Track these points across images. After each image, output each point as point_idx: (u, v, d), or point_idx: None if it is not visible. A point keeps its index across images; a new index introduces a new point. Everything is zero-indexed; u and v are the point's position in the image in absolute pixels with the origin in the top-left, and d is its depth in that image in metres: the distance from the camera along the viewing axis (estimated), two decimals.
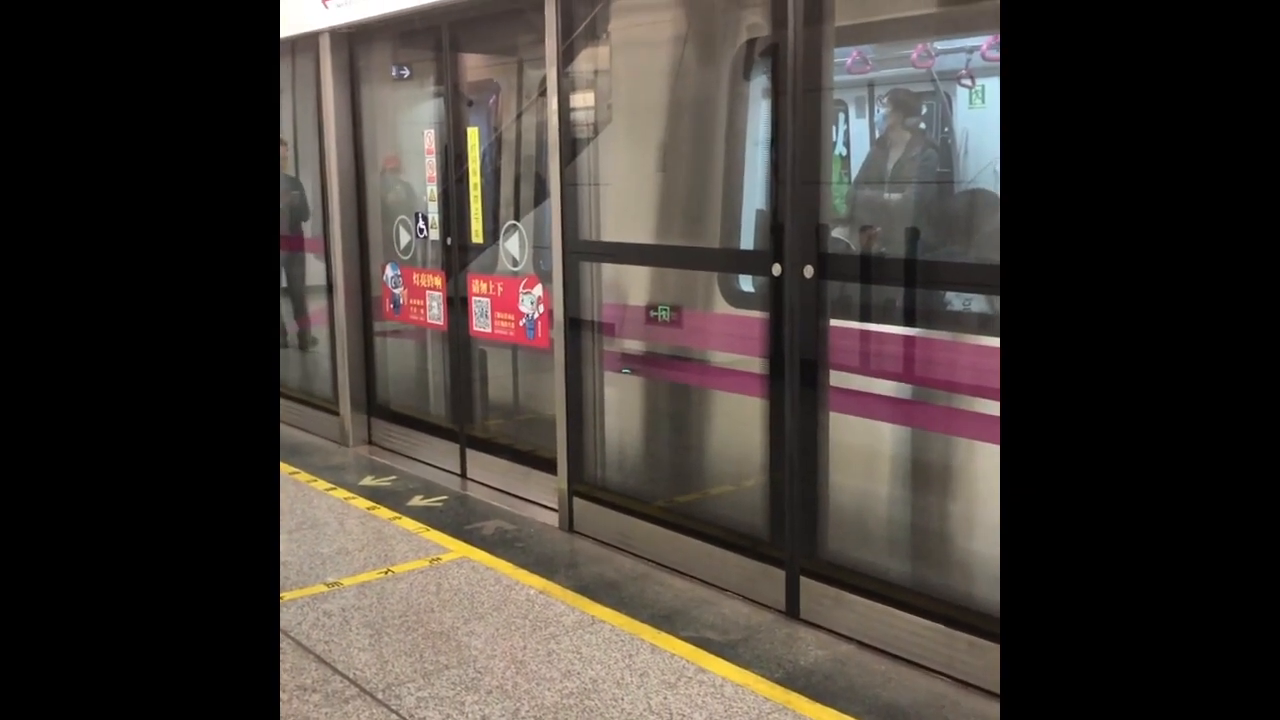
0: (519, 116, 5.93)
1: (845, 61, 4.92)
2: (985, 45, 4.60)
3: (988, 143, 5.24)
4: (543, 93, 4.81)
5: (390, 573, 4.34)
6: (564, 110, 4.65)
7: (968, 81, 5.03)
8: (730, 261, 4.65)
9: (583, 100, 4.72)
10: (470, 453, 5.70)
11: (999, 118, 1.46)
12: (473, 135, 5.42)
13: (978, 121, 5.26)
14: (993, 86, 5.14)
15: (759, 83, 4.48)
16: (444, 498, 5.37)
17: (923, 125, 5.13)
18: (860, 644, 3.61)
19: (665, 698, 3.28)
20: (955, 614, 3.41)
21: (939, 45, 4.84)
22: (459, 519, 5.03)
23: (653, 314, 4.64)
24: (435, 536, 4.78)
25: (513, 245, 5.29)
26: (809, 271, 3.67)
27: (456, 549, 4.61)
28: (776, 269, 3.77)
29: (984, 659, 3.29)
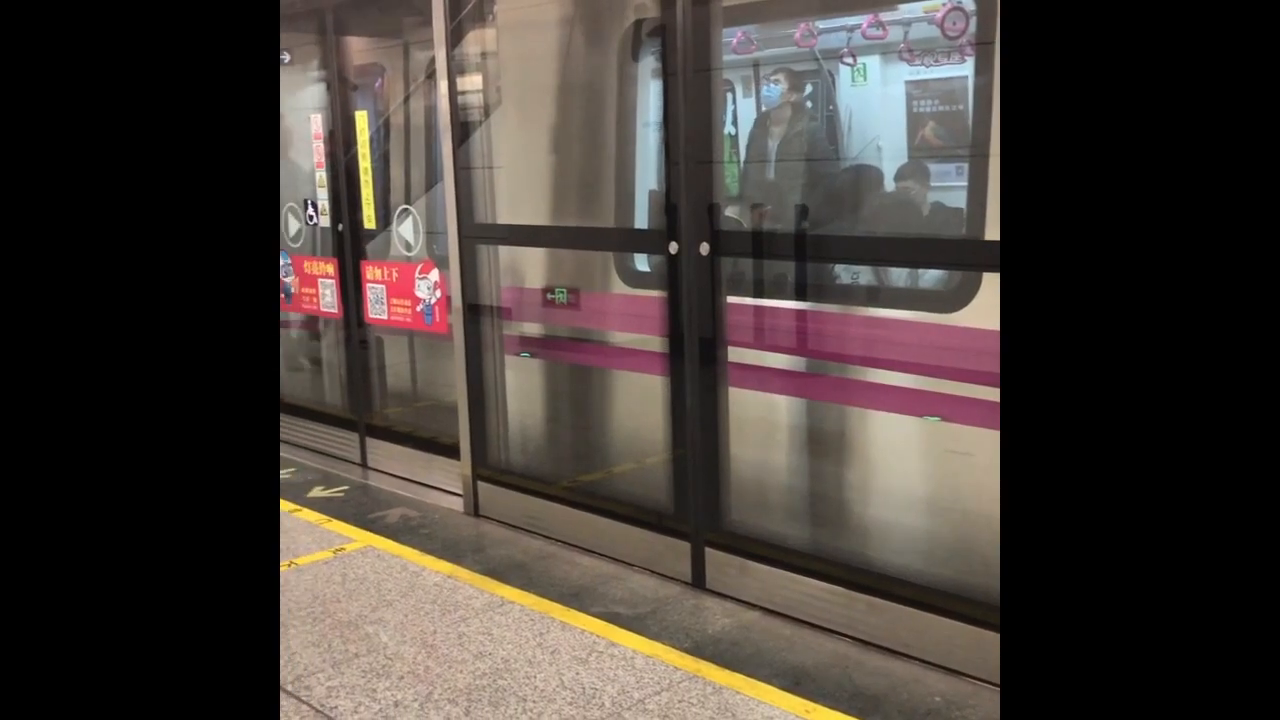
0: (407, 99, 5.86)
1: (731, 42, 5.00)
2: (865, 24, 4.72)
3: (870, 120, 5.39)
4: (430, 75, 4.77)
5: (293, 565, 4.28)
6: (453, 93, 4.62)
7: (849, 60, 5.16)
8: (627, 241, 4.69)
9: (472, 83, 4.70)
10: (370, 441, 5.64)
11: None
12: (361, 119, 5.34)
13: (860, 99, 5.40)
14: (873, 65, 5.28)
15: (648, 63, 4.52)
16: (345, 488, 5.31)
17: (809, 103, 5.24)
18: (765, 610, 3.71)
19: (577, 673, 3.33)
20: (854, 577, 3.52)
21: (821, 25, 4.94)
22: (362, 508, 4.98)
23: (550, 296, 4.66)
24: (338, 527, 4.72)
25: (406, 230, 5.24)
26: (704, 249, 3.74)
27: (360, 538, 4.57)
28: (673, 247, 3.83)
29: (883, 618, 3.41)
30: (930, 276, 3.84)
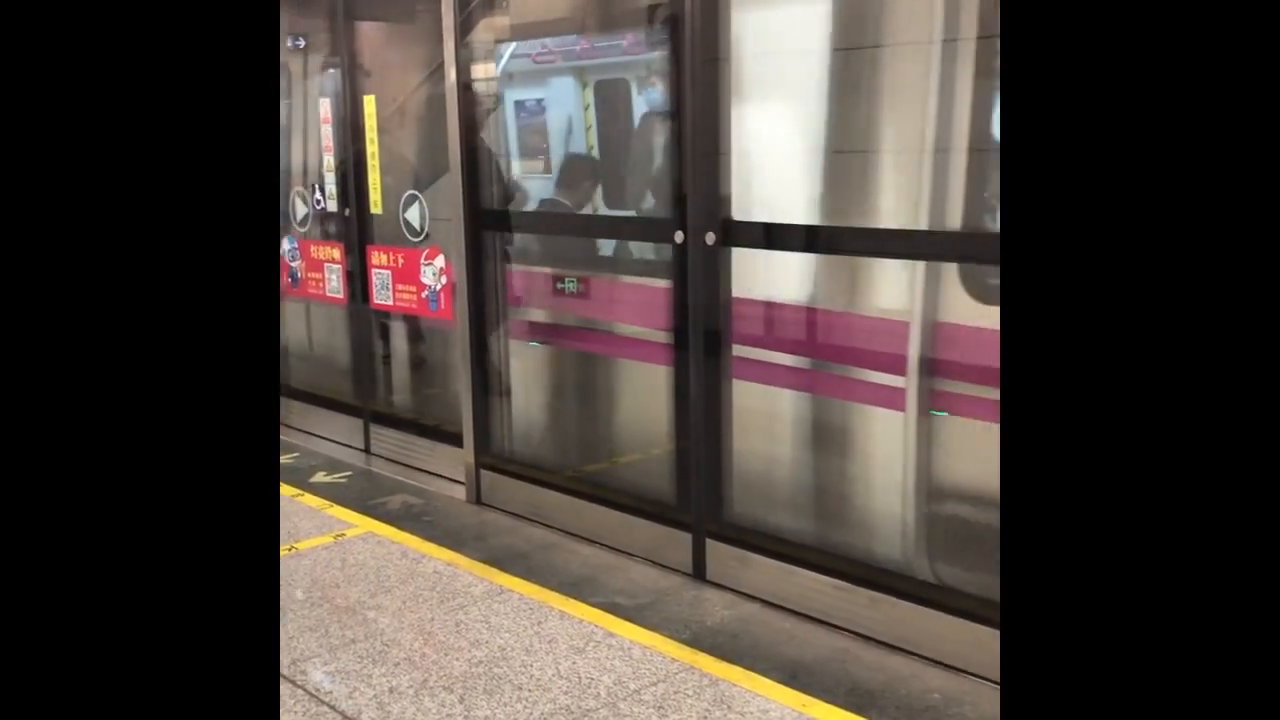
0: (417, 86, 5.84)
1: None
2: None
3: None
4: (438, 66, 4.75)
5: (294, 550, 4.28)
6: (463, 81, 4.60)
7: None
8: (634, 229, 4.67)
9: (483, 71, 4.68)
10: (374, 428, 5.64)
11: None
12: (369, 104, 5.33)
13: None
14: None
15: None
16: (348, 474, 5.30)
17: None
18: (765, 603, 3.69)
19: (574, 662, 3.32)
20: (855, 570, 3.50)
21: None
22: (364, 494, 4.98)
23: (559, 286, 4.64)
24: (339, 512, 4.72)
25: (413, 215, 5.23)
26: (710, 239, 3.71)
27: (362, 524, 4.57)
28: (679, 236, 3.81)
29: (883, 613, 3.39)
30: None
